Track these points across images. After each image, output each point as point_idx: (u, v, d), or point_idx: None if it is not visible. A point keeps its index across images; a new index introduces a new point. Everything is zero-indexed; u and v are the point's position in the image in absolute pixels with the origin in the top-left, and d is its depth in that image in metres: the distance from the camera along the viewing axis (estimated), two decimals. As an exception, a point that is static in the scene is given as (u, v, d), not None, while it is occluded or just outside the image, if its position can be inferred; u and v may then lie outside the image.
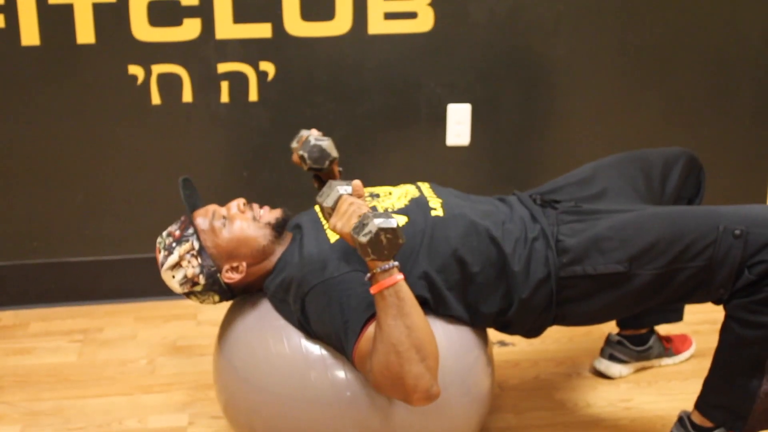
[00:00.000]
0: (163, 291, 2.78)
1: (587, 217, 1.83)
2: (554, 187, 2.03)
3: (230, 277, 1.80)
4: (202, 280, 1.79)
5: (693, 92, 2.80)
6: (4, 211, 2.67)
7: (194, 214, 1.81)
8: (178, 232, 1.79)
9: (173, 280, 1.80)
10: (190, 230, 1.79)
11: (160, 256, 1.80)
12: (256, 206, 1.83)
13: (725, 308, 1.74)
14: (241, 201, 1.82)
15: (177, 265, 1.78)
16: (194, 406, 2.20)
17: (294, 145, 1.99)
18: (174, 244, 1.78)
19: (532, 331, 1.88)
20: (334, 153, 1.93)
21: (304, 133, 1.98)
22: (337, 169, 1.98)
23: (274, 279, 1.80)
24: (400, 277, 1.57)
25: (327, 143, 1.91)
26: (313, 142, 1.91)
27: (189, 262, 1.78)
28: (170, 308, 2.72)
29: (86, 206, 2.69)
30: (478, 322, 1.83)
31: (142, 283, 2.76)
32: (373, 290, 1.57)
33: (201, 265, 1.78)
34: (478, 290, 1.78)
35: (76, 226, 2.70)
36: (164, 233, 1.82)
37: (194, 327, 2.61)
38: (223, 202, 1.86)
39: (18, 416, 2.16)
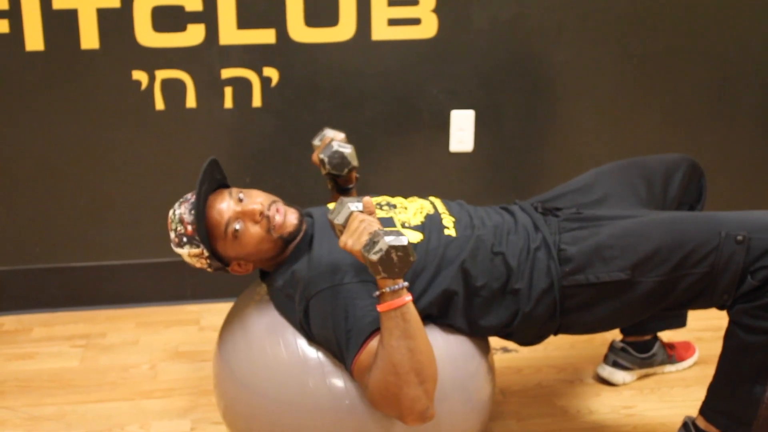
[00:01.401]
0: (165, 296, 2.81)
1: (589, 224, 1.82)
2: (555, 194, 2.03)
3: (237, 270, 1.83)
4: (209, 269, 1.82)
5: (695, 99, 2.80)
6: (7, 215, 2.67)
7: (209, 209, 1.75)
8: (190, 228, 1.75)
9: (182, 256, 1.81)
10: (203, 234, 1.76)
11: (171, 234, 1.79)
12: (272, 215, 1.76)
13: (729, 314, 1.73)
14: (257, 211, 1.74)
15: (185, 255, 1.79)
16: (196, 411, 2.20)
17: (316, 142, 1.97)
18: (185, 240, 1.76)
19: (534, 339, 1.88)
20: (355, 162, 1.92)
21: (328, 133, 1.96)
22: (355, 175, 1.97)
23: (283, 273, 1.79)
24: (408, 298, 1.57)
25: (349, 151, 1.90)
26: (335, 147, 1.90)
27: (197, 260, 1.79)
28: (172, 314, 2.72)
29: (89, 211, 2.69)
30: (479, 334, 1.83)
31: (144, 288, 2.77)
32: (380, 308, 1.57)
33: (209, 264, 1.79)
34: (482, 304, 1.78)
35: (79, 231, 2.70)
36: (177, 212, 1.77)
37: (196, 332, 2.61)
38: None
39: (20, 421, 2.16)
